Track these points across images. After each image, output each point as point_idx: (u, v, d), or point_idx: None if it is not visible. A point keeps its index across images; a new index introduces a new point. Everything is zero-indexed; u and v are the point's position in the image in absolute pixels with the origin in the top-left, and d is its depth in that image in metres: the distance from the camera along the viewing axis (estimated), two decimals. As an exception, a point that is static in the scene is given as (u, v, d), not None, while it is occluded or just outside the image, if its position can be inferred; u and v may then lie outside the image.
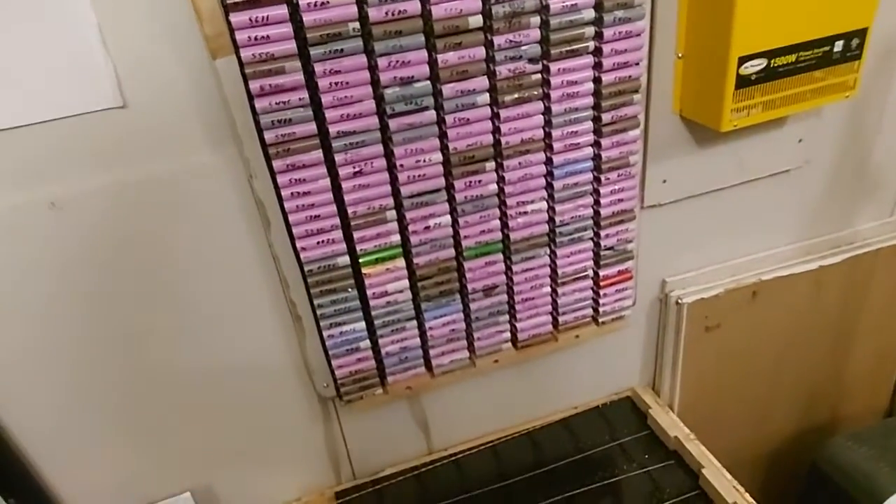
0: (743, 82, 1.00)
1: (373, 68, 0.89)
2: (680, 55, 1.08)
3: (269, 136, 0.88)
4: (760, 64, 0.99)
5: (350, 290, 1.06)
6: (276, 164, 0.91)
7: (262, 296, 1.09)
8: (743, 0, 0.92)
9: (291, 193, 0.94)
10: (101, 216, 0.94)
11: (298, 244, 0.98)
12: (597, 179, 1.11)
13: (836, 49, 1.02)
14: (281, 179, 0.92)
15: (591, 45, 0.97)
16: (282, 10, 0.81)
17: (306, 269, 1.01)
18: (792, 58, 1.01)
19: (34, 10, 0.80)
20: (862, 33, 1.03)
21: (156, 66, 0.87)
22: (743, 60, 0.98)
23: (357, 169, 0.95)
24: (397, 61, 0.89)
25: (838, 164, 1.40)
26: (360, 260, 1.04)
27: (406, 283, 1.09)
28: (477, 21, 0.89)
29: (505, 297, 1.18)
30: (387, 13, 0.85)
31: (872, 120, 1.36)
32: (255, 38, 0.81)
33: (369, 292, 1.07)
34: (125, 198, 0.94)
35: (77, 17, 0.82)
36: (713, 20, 0.97)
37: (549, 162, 1.07)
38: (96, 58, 0.84)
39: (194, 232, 1.00)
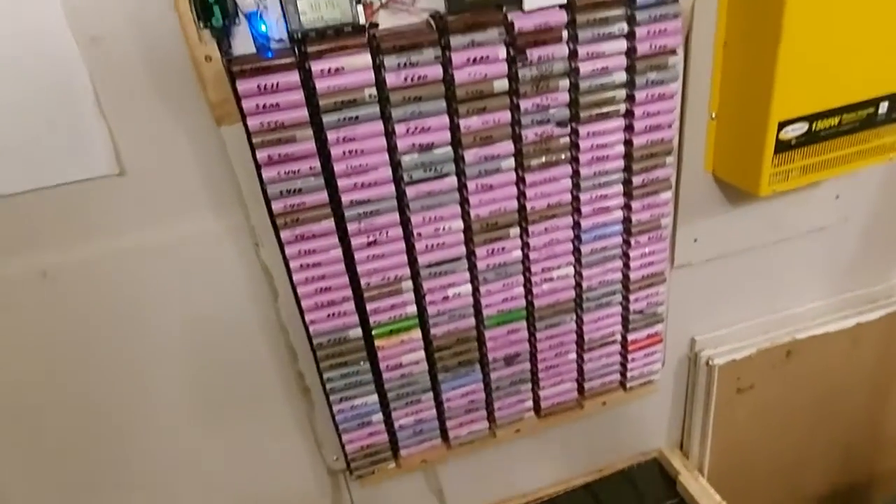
0: (782, 147, 0.93)
1: (389, 133, 0.83)
2: (713, 115, 1.02)
3: (276, 206, 0.82)
4: (802, 128, 0.92)
5: (362, 362, 0.99)
6: (285, 234, 0.85)
7: (267, 367, 1.02)
8: (784, 64, 0.86)
9: (301, 265, 0.87)
10: (95, 286, 0.88)
11: (308, 317, 0.92)
12: (626, 243, 1.05)
13: (880, 111, 0.96)
14: (289, 250, 0.86)
15: (623, 107, 0.91)
16: (293, 77, 0.75)
17: (315, 342, 0.94)
18: (835, 121, 0.94)
19: (27, 74, 0.74)
20: (909, 93, 0.96)
21: (156, 131, 0.82)
22: (783, 125, 0.91)
23: (371, 239, 0.89)
24: (416, 127, 0.83)
25: (874, 219, 1.33)
26: (374, 332, 0.97)
27: (422, 354, 1.02)
28: (502, 85, 0.83)
29: (528, 364, 1.11)
30: (406, 79, 0.79)
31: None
32: (264, 106, 0.76)
33: (382, 364, 1.00)
34: (119, 266, 0.88)
35: (72, 83, 0.76)
36: (751, 83, 0.91)
37: (576, 226, 1.00)
38: (92, 124, 0.79)
39: (195, 301, 0.93)
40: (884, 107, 0.96)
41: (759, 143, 0.93)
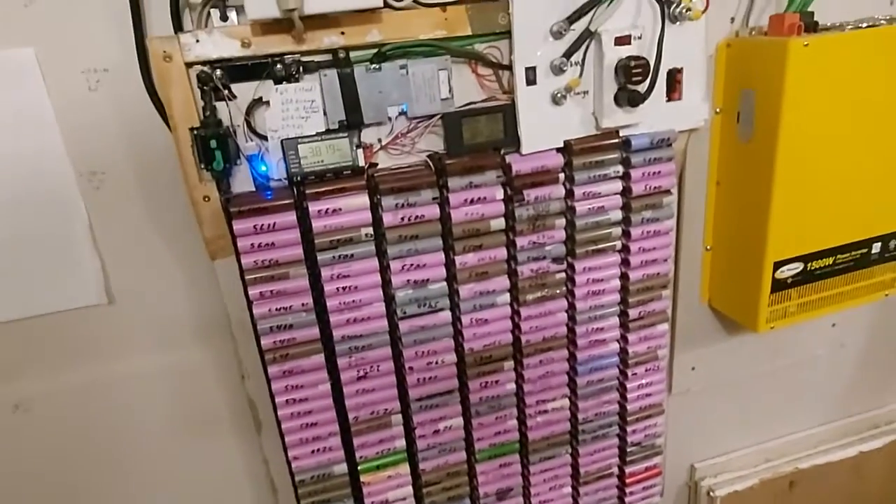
0: (779, 286, 0.93)
1: (384, 269, 0.82)
2: (708, 247, 1.02)
3: (266, 341, 0.80)
4: (797, 268, 0.93)
5: (346, 500, 0.93)
6: (272, 370, 0.82)
7: (245, 501, 0.97)
8: (778, 207, 0.87)
9: (287, 400, 0.84)
10: (70, 417, 0.84)
11: (290, 453, 0.87)
12: (623, 374, 1.02)
13: (874, 251, 0.97)
14: (276, 386, 0.83)
15: (619, 243, 0.91)
16: (290, 217, 0.75)
17: (297, 478, 0.90)
18: (829, 260, 0.95)
19: (23, 204, 0.74)
20: (901, 234, 0.97)
21: (149, 263, 0.81)
22: (778, 265, 0.91)
23: (361, 373, 0.86)
24: (411, 264, 0.82)
25: (870, 345, 1.32)
26: (360, 467, 0.92)
27: (410, 489, 0.97)
28: (499, 224, 0.84)
29: (521, 499, 1.06)
30: (402, 218, 0.79)
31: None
32: (259, 245, 0.75)
33: (368, 501, 0.95)
34: (100, 396, 0.85)
35: (68, 214, 0.76)
36: (746, 223, 0.92)
37: (572, 358, 0.98)
38: (84, 256, 0.77)
39: (176, 430, 0.89)
40: (877, 247, 0.97)
41: (755, 282, 0.93)
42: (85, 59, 0.71)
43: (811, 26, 0.81)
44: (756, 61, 0.84)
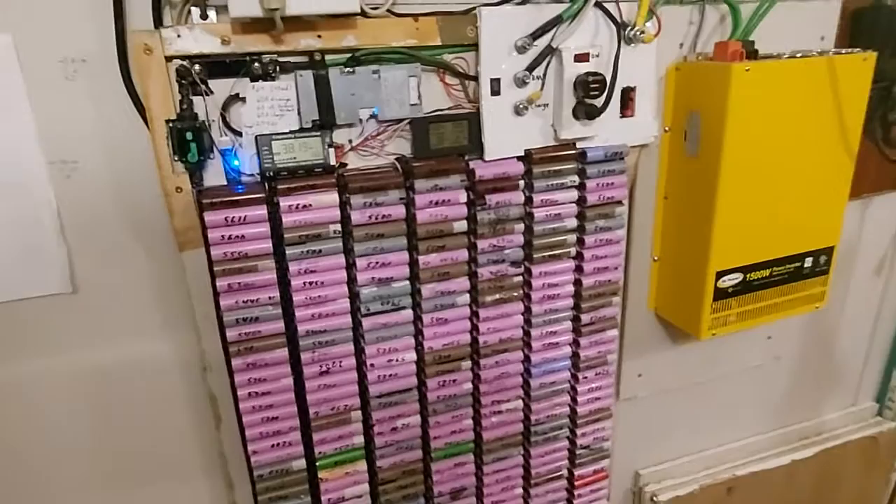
0: (721, 294, 0.99)
1: (350, 266, 0.85)
2: (656, 258, 1.08)
3: (231, 333, 0.81)
4: (737, 278, 1.00)
5: (303, 496, 0.94)
6: (236, 362, 0.83)
7: (201, 497, 0.96)
8: (721, 220, 0.94)
9: (249, 393, 0.85)
10: (27, 407, 0.83)
11: (250, 447, 0.88)
12: (574, 377, 1.07)
13: (806, 265, 1.04)
14: (239, 378, 0.84)
15: (573, 250, 0.96)
16: (260, 211, 0.77)
17: (256, 473, 0.90)
18: (766, 272, 1.02)
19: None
20: (829, 251, 1.05)
21: (116, 252, 0.81)
22: (721, 275, 0.98)
23: (324, 368, 0.88)
24: (377, 262, 0.85)
25: (804, 358, 1.41)
26: (318, 463, 0.93)
27: (366, 487, 0.98)
28: (462, 226, 0.88)
29: (473, 500, 1.08)
30: (370, 217, 0.82)
31: (833, 316, 1.39)
32: (229, 237, 0.77)
33: (324, 498, 0.96)
34: (56, 388, 0.84)
35: (37, 203, 0.76)
36: (690, 234, 0.99)
37: (526, 360, 1.02)
38: (52, 244, 0.78)
39: (134, 423, 0.89)
40: (808, 261, 1.05)
41: (699, 291, 0.99)
42: (63, 48, 0.72)
43: (752, 54, 0.88)
44: (702, 84, 0.91)
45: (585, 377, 1.07)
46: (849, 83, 0.92)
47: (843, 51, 0.92)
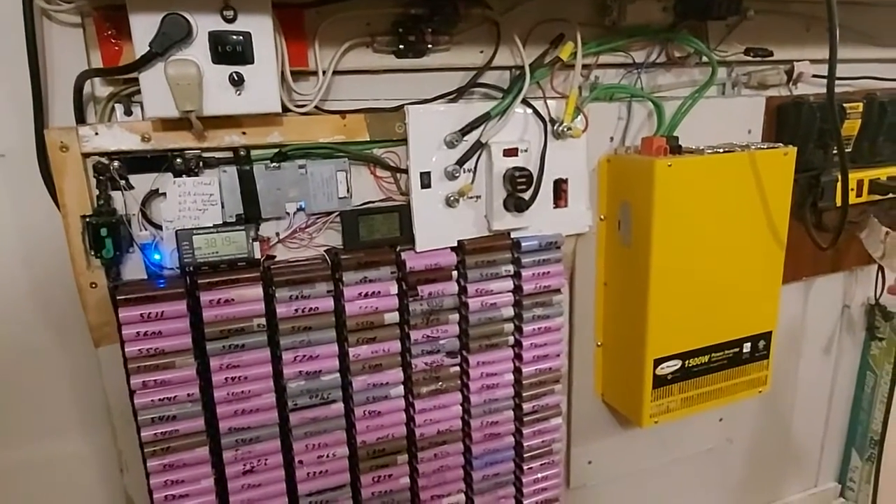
0: (660, 381, 0.99)
1: (276, 359, 0.83)
2: (599, 343, 1.08)
3: (146, 433, 0.78)
4: (675, 365, 0.99)
5: None
6: (152, 463, 0.79)
7: None
8: (655, 307, 0.94)
9: (165, 496, 0.80)
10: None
11: (167, 555, 0.83)
12: (519, 468, 1.03)
13: (745, 350, 1.05)
14: (154, 481, 0.80)
15: (511, 339, 0.95)
16: (180, 306, 0.75)
17: (174, 583, 0.84)
18: (705, 358, 1.02)
19: None
20: (767, 335, 1.06)
21: (32, 347, 0.78)
22: (658, 361, 0.97)
23: (248, 467, 0.84)
24: (304, 356, 0.83)
25: (759, 440, 1.39)
26: (243, 570, 0.87)
27: None
28: (393, 318, 0.86)
29: None
30: (296, 310, 0.81)
31: (786, 397, 1.38)
32: (145, 334, 0.74)
33: None
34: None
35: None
36: (629, 322, 0.99)
37: (467, 451, 0.99)
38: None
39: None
40: (747, 347, 1.05)
41: (638, 378, 0.98)
42: (-20, 143, 0.72)
43: (676, 149, 0.91)
44: (630, 176, 0.93)
45: (530, 467, 1.04)
46: (772, 176, 0.94)
47: (765, 145, 0.96)
